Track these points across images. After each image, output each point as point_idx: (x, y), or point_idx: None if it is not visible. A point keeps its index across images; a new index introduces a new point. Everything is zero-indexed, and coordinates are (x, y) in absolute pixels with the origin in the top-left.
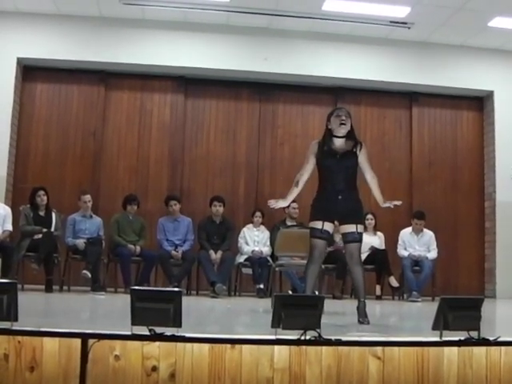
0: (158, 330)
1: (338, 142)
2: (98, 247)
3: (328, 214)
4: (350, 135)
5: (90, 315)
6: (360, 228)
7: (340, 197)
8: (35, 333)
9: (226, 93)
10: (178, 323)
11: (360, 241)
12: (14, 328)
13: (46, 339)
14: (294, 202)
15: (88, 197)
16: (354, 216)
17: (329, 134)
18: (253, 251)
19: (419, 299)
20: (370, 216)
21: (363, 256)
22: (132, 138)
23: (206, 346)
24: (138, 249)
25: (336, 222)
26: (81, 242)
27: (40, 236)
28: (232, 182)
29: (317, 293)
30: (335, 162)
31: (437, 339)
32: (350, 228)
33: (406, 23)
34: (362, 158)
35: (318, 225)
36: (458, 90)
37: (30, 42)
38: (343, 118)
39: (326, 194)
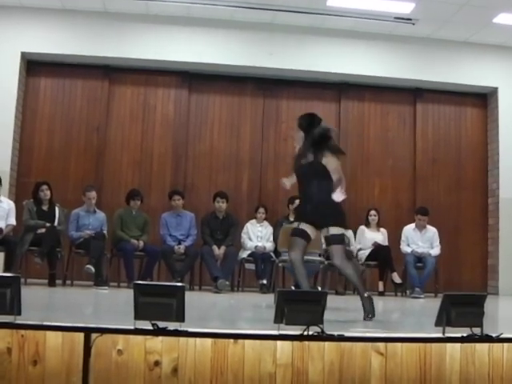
0: (161, 324)
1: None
2: (102, 242)
3: (307, 217)
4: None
5: (93, 309)
6: (339, 230)
7: (314, 203)
8: (38, 327)
9: (230, 88)
10: (180, 318)
11: (341, 242)
12: (17, 322)
13: (49, 333)
14: (297, 198)
15: (93, 193)
16: (333, 219)
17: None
18: (256, 247)
19: (422, 295)
20: (373, 212)
21: (366, 252)
22: (135, 133)
23: (208, 341)
24: (141, 244)
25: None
26: (86, 233)
27: (43, 230)
28: (235, 177)
29: (320, 288)
30: (306, 170)
31: (439, 335)
32: (331, 230)
33: (410, 19)
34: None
35: (297, 225)
36: (462, 86)
37: (34, 37)
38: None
39: (303, 200)
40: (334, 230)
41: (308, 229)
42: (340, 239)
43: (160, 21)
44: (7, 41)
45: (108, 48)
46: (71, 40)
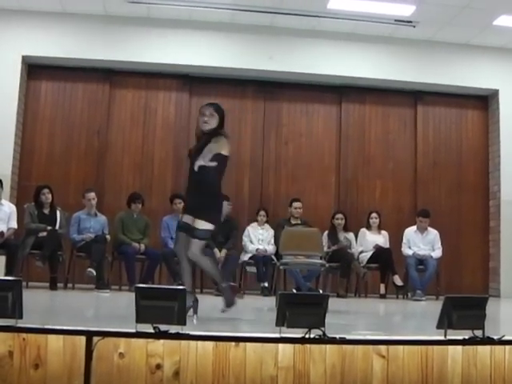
0: (163, 327)
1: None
2: (103, 245)
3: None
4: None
5: (94, 313)
6: (195, 221)
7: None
8: (40, 330)
9: (231, 91)
10: (182, 321)
11: (195, 235)
12: (18, 325)
13: (50, 336)
14: (297, 201)
15: (92, 194)
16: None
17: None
18: (257, 250)
19: (423, 298)
20: (374, 215)
21: (367, 255)
22: (136, 136)
23: (210, 344)
24: (143, 247)
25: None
26: (88, 236)
27: (44, 234)
28: (236, 180)
29: (321, 291)
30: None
31: (441, 338)
32: (185, 218)
33: (410, 22)
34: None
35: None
36: (463, 88)
37: (34, 40)
38: (205, 118)
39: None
40: (189, 220)
41: (189, 220)
42: (194, 231)
43: (161, 24)
44: (8, 44)
45: (109, 51)
46: (72, 43)
